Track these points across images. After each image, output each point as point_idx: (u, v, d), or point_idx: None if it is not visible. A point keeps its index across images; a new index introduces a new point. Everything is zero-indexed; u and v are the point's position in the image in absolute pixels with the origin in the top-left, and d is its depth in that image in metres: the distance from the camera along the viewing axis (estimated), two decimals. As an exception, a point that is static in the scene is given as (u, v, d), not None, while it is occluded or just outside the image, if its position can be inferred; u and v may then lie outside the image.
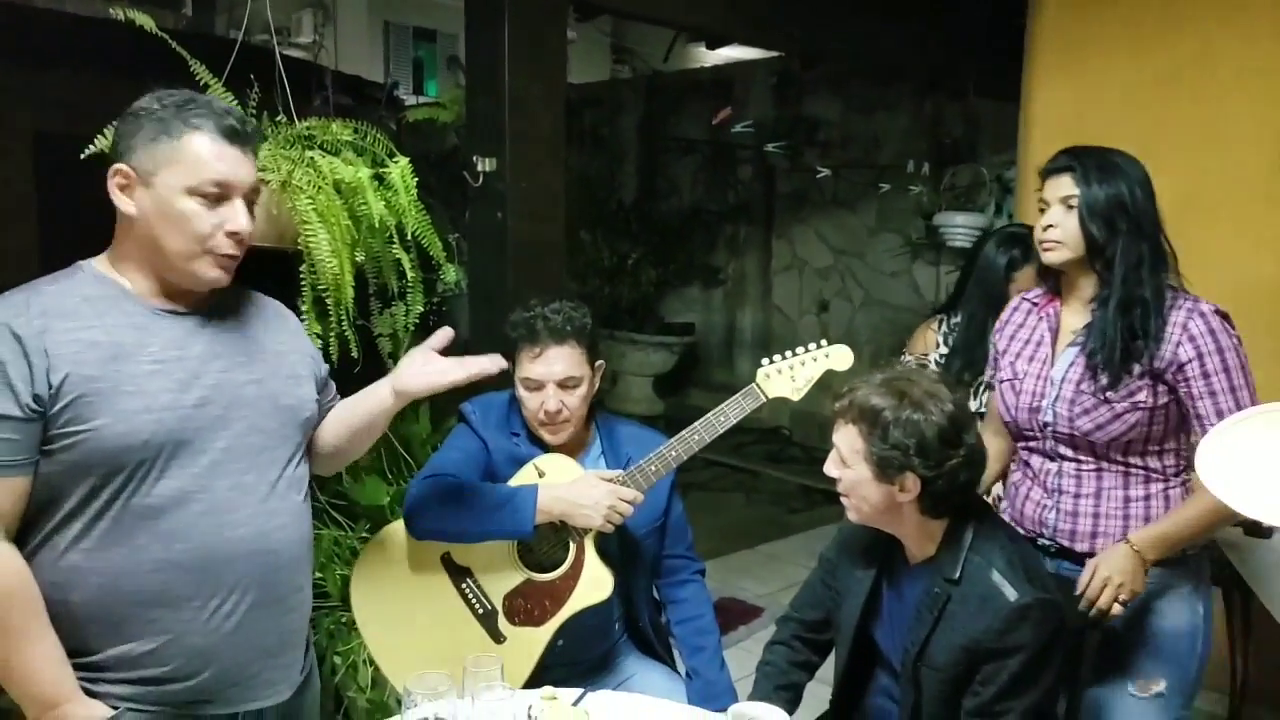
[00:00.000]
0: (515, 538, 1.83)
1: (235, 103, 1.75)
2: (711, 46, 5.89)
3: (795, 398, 1.87)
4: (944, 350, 2.73)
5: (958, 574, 1.53)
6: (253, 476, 1.41)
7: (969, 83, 4.50)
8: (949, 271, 5.37)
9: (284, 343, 1.52)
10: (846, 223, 6.18)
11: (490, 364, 1.55)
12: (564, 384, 1.86)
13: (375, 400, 1.58)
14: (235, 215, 1.35)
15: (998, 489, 2.22)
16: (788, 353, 1.88)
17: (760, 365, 1.89)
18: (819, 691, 1.86)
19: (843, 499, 1.61)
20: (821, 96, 6.12)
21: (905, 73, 4.46)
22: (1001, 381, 1.94)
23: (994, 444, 1.94)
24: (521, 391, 1.88)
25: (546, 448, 1.92)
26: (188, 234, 1.33)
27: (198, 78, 1.72)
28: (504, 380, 1.98)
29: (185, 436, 1.34)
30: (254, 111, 1.81)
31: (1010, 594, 1.48)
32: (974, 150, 5.30)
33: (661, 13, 3.20)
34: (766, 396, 1.86)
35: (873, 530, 1.65)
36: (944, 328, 2.75)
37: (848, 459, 1.56)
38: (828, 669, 1.83)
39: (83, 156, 1.52)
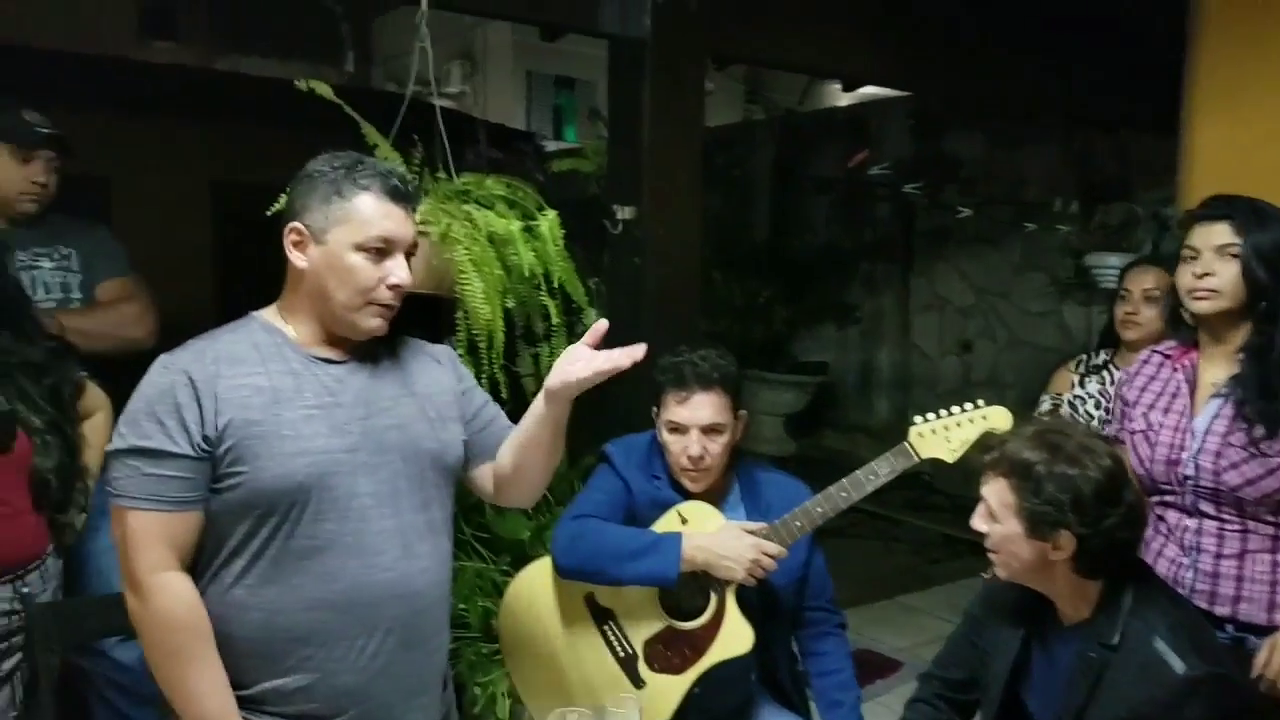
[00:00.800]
0: (658, 584, 1.84)
1: (401, 160, 1.87)
2: (848, 88, 5.86)
3: (950, 459, 1.81)
4: (1079, 392, 2.64)
5: (1116, 639, 1.46)
6: (397, 521, 1.46)
7: (1121, 116, 4.32)
8: (1101, 312, 5.13)
9: (428, 386, 1.56)
10: (990, 261, 6.00)
11: (627, 357, 1.46)
12: (708, 430, 1.87)
13: (532, 411, 1.58)
14: (397, 269, 1.43)
15: None
16: (942, 411, 1.82)
17: (913, 423, 1.83)
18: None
19: (990, 555, 1.56)
20: (961, 133, 5.99)
21: (1051, 108, 4.33)
22: (1134, 433, 1.87)
23: None
24: (665, 435, 1.91)
25: (687, 493, 1.94)
26: (353, 286, 1.41)
27: (367, 138, 1.85)
28: (645, 421, 2.03)
29: (336, 481, 1.40)
30: (417, 168, 1.92)
31: (1177, 665, 1.39)
32: (1126, 186, 5.06)
33: (799, 60, 3.23)
34: (919, 457, 1.81)
35: (1022, 587, 1.59)
36: (1081, 367, 2.68)
37: (997, 513, 1.52)
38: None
39: (268, 214, 1.65)
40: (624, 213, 2.63)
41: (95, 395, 2.02)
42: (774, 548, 1.80)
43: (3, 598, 1.72)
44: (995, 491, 1.52)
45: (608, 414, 2.78)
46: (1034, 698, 1.62)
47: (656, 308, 2.67)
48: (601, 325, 1.54)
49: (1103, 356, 2.65)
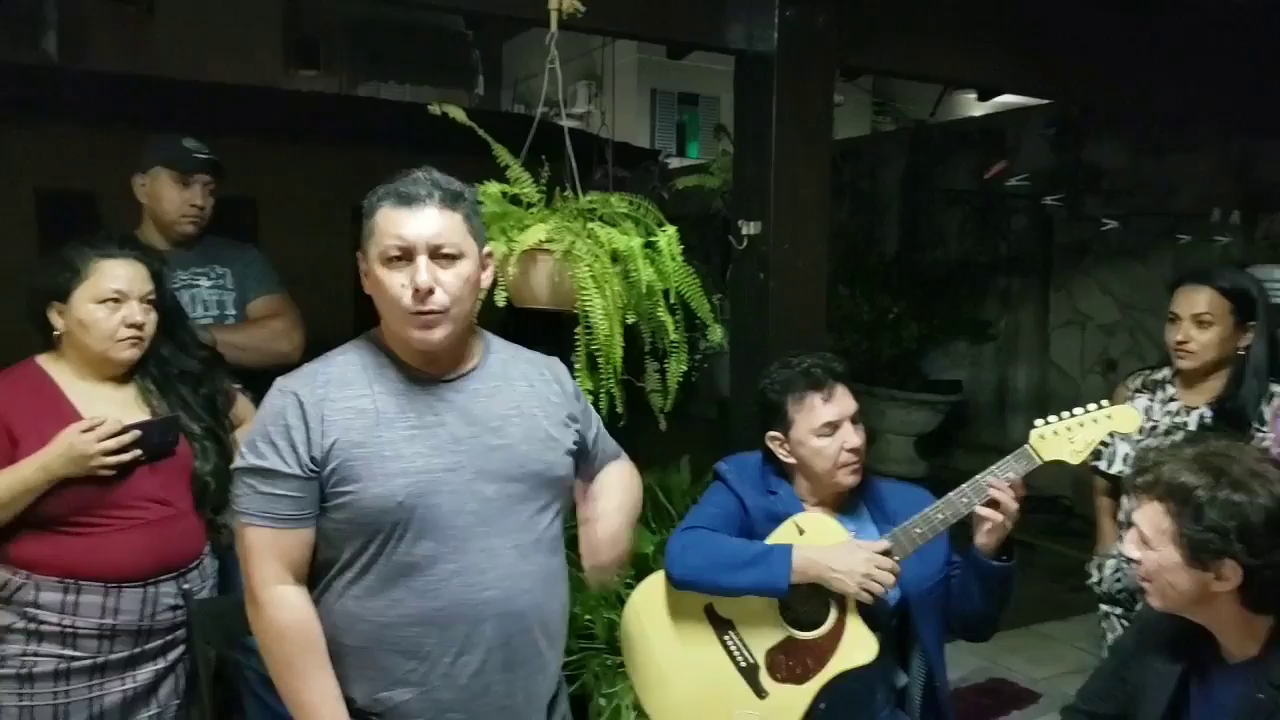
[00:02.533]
0: (769, 594, 1.83)
1: (530, 180, 1.92)
2: (983, 97, 5.69)
3: (1074, 461, 1.76)
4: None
5: (1288, 680, 1.36)
6: (501, 540, 1.46)
7: (1285, 119, 4.03)
8: (1262, 329, 4.79)
9: (540, 405, 1.55)
10: (1137, 275, 5.69)
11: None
12: (855, 419, 1.89)
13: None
14: (415, 272, 1.38)
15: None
16: (1064, 413, 1.78)
17: (1034, 426, 1.79)
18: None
19: (1143, 584, 1.48)
20: (1105, 141, 5.71)
21: (1206, 113, 4.08)
22: None
23: None
24: (815, 442, 1.88)
25: (803, 506, 1.92)
26: (388, 300, 1.40)
27: (498, 159, 1.90)
28: (755, 441, 2.01)
29: (437, 500, 1.41)
30: (544, 186, 1.97)
31: (1356, 711, 1.29)
32: (1294, 194, 4.72)
33: (932, 70, 3.15)
34: (1041, 459, 1.76)
35: (1179, 619, 1.50)
36: (1138, 382, 2.49)
37: (1151, 540, 1.43)
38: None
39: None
40: (749, 228, 2.61)
41: (244, 406, 2.14)
42: (889, 563, 1.76)
43: (169, 593, 1.84)
44: (1149, 516, 1.44)
45: (730, 434, 2.77)
46: (1190, 737, 1.52)
47: (782, 323, 2.63)
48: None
49: (1163, 373, 2.44)
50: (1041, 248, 6.25)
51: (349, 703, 1.44)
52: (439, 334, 1.41)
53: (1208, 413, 2.30)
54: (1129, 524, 2.37)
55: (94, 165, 4.13)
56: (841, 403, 1.89)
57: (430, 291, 1.38)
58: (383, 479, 1.39)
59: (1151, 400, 2.42)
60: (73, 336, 1.82)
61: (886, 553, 1.78)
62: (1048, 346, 6.29)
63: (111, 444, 1.75)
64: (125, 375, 1.89)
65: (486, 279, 1.51)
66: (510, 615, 1.46)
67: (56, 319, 1.83)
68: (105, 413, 1.78)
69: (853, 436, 1.88)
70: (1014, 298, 6.44)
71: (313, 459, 1.39)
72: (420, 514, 1.40)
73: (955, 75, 3.43)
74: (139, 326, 1.84)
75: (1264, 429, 2.23)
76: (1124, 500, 2.42)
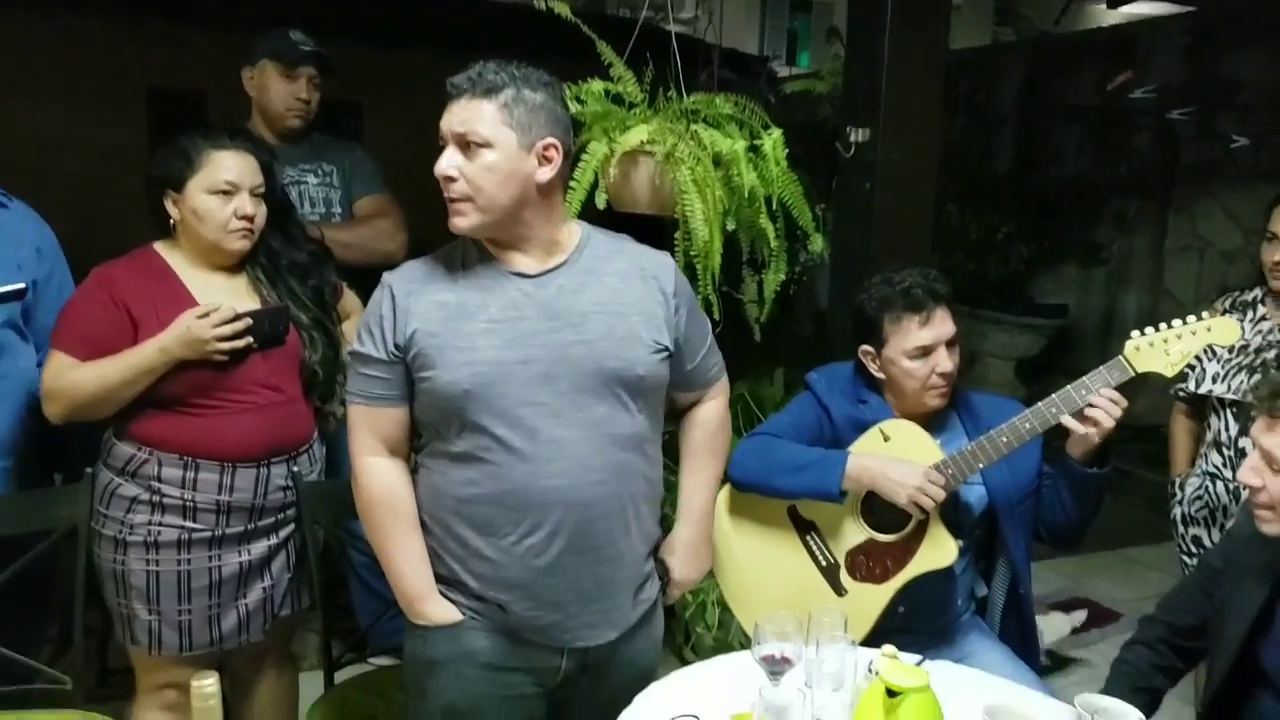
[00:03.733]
0: (822, 498, 1.86)
1: (634, 79, 1.89)
2: (1113, 5, 5.31)
3: (1169, 373, 1.74)
4: None
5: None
6: (571, 432, 1.50)
7: None
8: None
9: (628, 303, 1.55)
10: (1267, 199, 5.32)
11: None
12: (951, 343, 1.86)
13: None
14: (441, 159, 1.47)
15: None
16: (1162, 325, 1.74)
17: (1129, 337, 1.76)
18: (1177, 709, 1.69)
19: (1260, 512, 1.43)
20: (1247, 52, 5.29)
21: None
22: None
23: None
24: (906, 364, 1.87)
25: (893, 415, 1.92)
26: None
27: (603, 58, 1.88)
28: (851, 354, 1.99)
29: (507, 390, 1.47)
30: (648, 87, 1.94)
31: None
32: None
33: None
34: (1135, 370, 1.74)
35: (1274, 545, 1.45)
36: (1227, 302, 2.42)
37: None
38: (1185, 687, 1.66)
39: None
40: (857, 135, 2.53)
41: (351, 299, 2.21)
42: (941, 479, 1.77)
43: (279, 475, 1.95)
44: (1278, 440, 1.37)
45: (826, 346, 2.74)
46: (1271, 655, 1.51)
47: (886, 235, 2.58)
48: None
49: (1254, 294, 2.38)
50: (1164, 168, 5.90)
51: (436, 572, 1.57)
52: (464, 222, 1.48)
53: None
54: (1218, 444, 2.32)
55: (202, 63, 4.21)
56: (939, 327, 1.86)
57: (451, 179, 1.46)
58: (453, 368, 1.48)
59: (1242, 320, 2.36)
60: (187, 225, 1.88)
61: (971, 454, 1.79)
62: (1161, 272, 5.99)
63: (226, 330, 1.83)
64: (237, 265, 1.96)
65: (545, 173, 1.48)
66: (578, 505, 1.51)
67: (171, 208, 1.88)
68: (219, 300, 1.85)
69: (945, 361, 1.86)
70: (1130, 220, 6.12)
71: (396, 345, 1.51)
72: (487, 402, 1.47)
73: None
74: (250, 218, 1.89)
75: None
76: (1211, 421, 2.39)
